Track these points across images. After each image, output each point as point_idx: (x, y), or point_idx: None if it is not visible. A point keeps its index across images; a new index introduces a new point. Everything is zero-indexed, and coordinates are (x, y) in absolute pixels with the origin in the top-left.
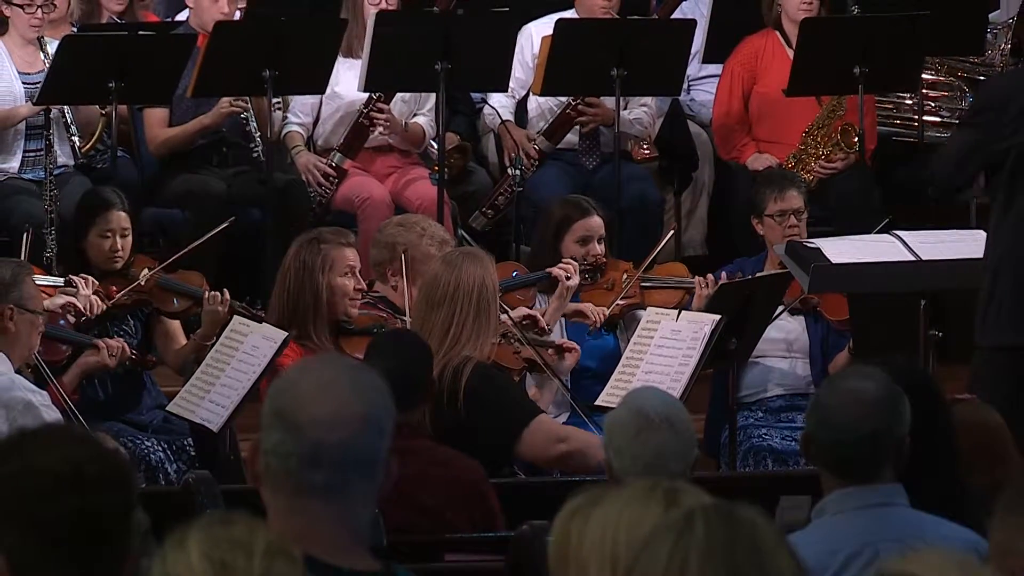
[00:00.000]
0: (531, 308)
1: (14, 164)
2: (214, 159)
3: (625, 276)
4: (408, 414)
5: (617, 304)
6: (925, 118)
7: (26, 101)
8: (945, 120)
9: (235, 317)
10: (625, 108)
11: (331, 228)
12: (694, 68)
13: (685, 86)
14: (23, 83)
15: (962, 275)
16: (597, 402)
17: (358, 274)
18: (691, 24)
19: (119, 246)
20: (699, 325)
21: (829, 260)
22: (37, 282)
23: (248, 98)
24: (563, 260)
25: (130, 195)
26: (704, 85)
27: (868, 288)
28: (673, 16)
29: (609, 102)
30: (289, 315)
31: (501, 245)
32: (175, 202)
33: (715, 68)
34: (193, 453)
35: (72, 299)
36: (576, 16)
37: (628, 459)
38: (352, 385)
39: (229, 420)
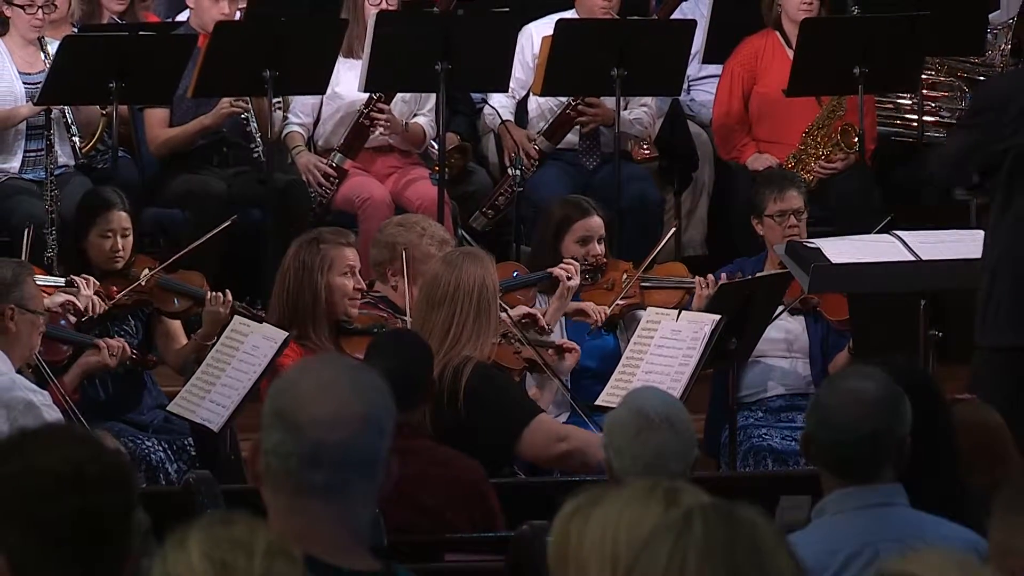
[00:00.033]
0: (531, 308)
1: (15, 164)
2: (214, 159)
3: (625, 276)
4: (408, 414)
5: (617, 304)
6: (925, 118)
7: (27, 101)
8: (945, 120)
9: (235, 317)
10: (625, 108)
11: (331, 228)
12: (694, 68)
13: (685, 86)
14: (24, 83)
15: (962, 275)
16: (597, 402)
17: (358, 274)
18: (691, 24)
19: (120, 246)
20: (699, 325)
21: (829, 260)
22: (38, 282)
23: (248, 98)
24: (564, 260)
25: (131, 195)
26: (704, 85)
27: (868, 288)
28: (673, 16)
29: (609, 102)
30: (289, 315)
31: (501, 245)
32: (175, 202)
33: (715, 68)
34: (194, 453)
35: (71, 297)
36: (576, 16)
37: (628, 459)
38: (352, 385)
39: (229, 420)
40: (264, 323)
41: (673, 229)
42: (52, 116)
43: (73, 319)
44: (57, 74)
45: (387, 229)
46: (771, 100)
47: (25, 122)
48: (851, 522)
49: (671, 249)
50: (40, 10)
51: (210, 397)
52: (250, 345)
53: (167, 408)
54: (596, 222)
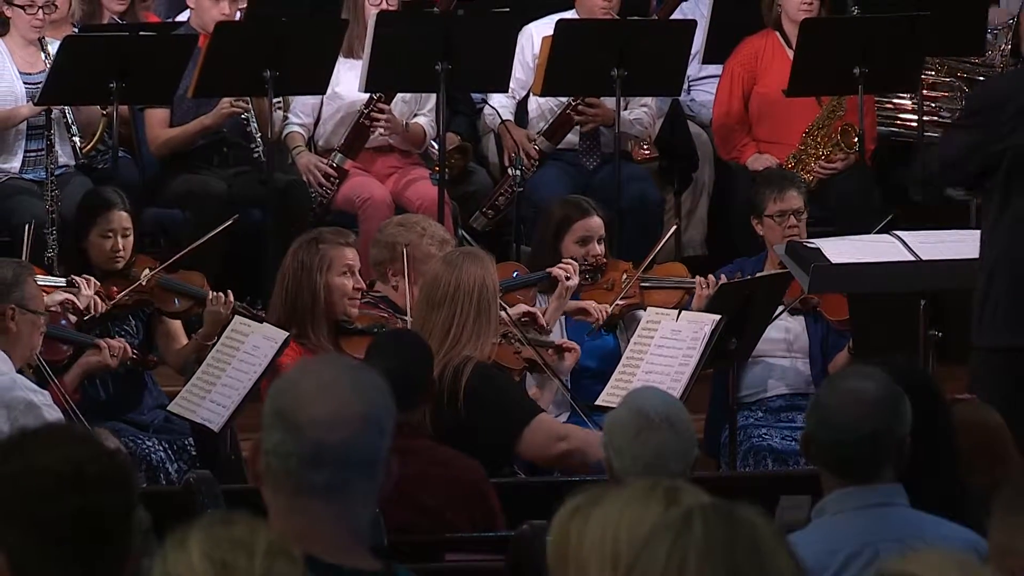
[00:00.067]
0: (531, 307)
1: (15, 164)
2: (215, 159)
3: (625, 276)
4: (408, 414)
5: (617, 304)
6: (925, 118)
7: (27, 101)
8: (945, 120)
9: (236, 317)
10: (625, 108)
11: (330, 228)
12: (694, 68)
13: (685, 86)
14: (24, 83)
15: (962, 275)
16: (597, 402)
17: (357, 274)
18: (691, 24)
19: (120, 246)
20: (699, 325)
21: (829, 260)
22: (38, 282)
23: (249, 99)
24: (563, 260)
25: (131, 195)
26: (704, 85)
27: (868, 288)
28: (673, 16)
29: (609, 102)
30: (288, 315)
31: (501, 245)
32: (176, 202)
33: (715, 68)
34: (194, 453)
35: (70, 296)
36: (576, 17)
37: (628, 459)
38: (353, 385)
39: (230, 420)
40: (264, 323)
41: (674, 227)
42: (52, 116)
43: (73, 318)
44: (58, 74)
45: (387, 229)
46: (771, 100)
47: (26, 122)
48: (851, 522)
49: (671, 249)
50: (41, 10)
51: (210, 397)
52: (250, 345)
53: (168, 408)
54: (596, 222)
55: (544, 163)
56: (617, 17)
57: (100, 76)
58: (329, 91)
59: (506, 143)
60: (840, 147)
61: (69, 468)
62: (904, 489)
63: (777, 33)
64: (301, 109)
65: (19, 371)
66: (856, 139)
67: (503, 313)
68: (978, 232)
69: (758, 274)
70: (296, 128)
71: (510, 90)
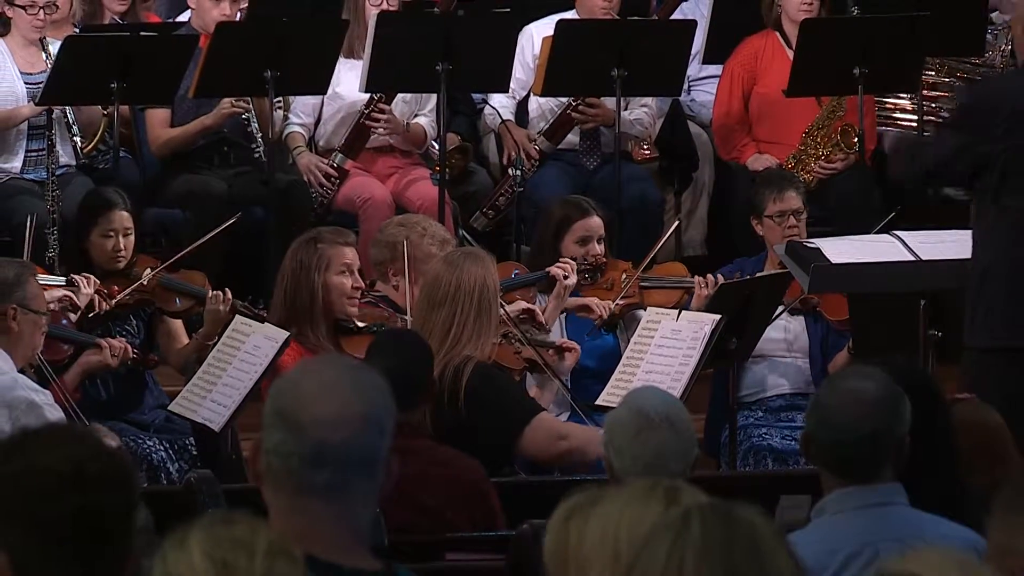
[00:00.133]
0: (529, 304)
1: (16, 164)
2: (215, 159)
3: (624, 276)
4: (409, 414)
5: (617, 304)
6: (925, 118)
7: (28, 101)
8: None
9: (237, 317)
10: (625, 108)
11: (329, 228)
12: (694, 69)
13: (685, 87)
14: (25, 83)
15: (962, 275)
16: (597, 402)
17: (356, 273)
18: (691, 25)
19: (121, 246)
20: (699, 325)
21: (829, 260)
22: (39, 282)
23: (250, 99)
24: (560, 259)
25: (132, 195)
26: (704, 86)
27: (868, 288)
28: (673, 17)
29: (609, 103)
30: (288, 315)
31: (502, 245)
32: (176, 202)
33: (715, 69)
34: (195, 452)
35: (68, 292)
36: (576, 17)
37: (628, 459)
38: (353, 385)
39: (231, 420)
40: (265, 323)
41: (676, 223)
42: (54, 116)
43: (74, 317)
44: (59, 74)
45: (388, 229)
46: (771, 100)
47: (27, 122)
48: (851, 522)
49: (671, 249)
50: (42, 11)
51: (211, 397)
52: (251, 345)
53: (168, 408)
54: (596, 222)
55: (544, 163)
56: (617, 17)
57: (101, 76)
58: (330, 91)
59: (506, 143)
60: (840, 147)
61: (70, 468)
62: (904, 489)
63: (777, 33)
64: (302, 109)
65: (20, 371)
66: (856, 139)
67: (503, 312)
68: None
69: (758, 274)
70: (297, 128)
71: (510, 90)
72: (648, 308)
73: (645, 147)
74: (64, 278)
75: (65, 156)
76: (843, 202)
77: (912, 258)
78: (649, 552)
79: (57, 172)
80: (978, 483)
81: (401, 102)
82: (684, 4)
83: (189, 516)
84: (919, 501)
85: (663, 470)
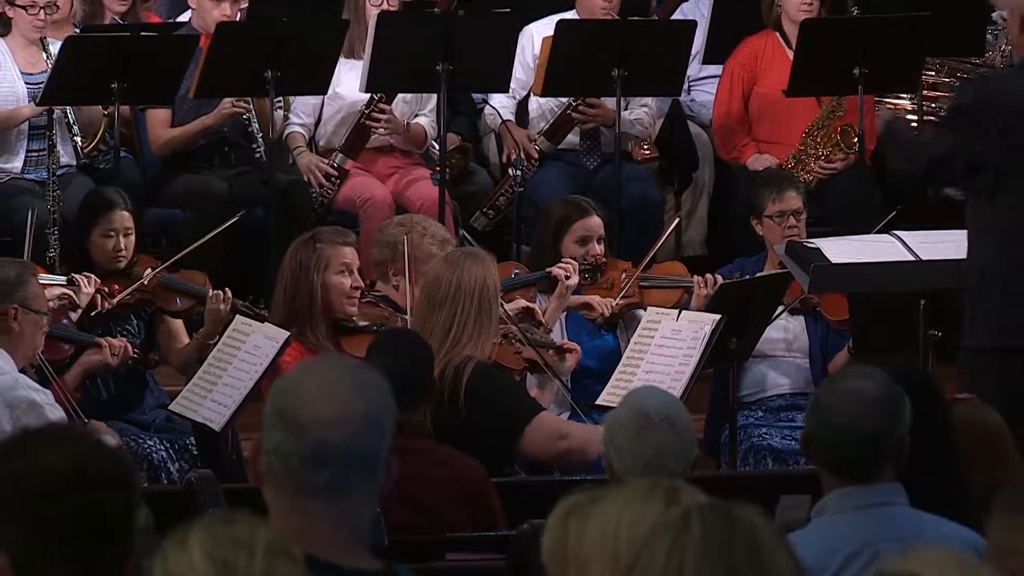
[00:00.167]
0: (529, 303)
1: (17, 164)
2: (216, 159)
3: (624, 275)
4: (409, 413)
5: (616, 303)
6: (925, 118)
7: (29, 101)
8: None
9: (237, 317)
10: (626, 109)
11: (329, 227)
12: (694, 69)
13: (685, 87)
14: (26, 83)
15: (961, 275)
16: (598, 402)
17: (356, 272)
18: (691, 25)
19: (122, 246)
20: (699, 325)
21: (829, 260)
22: (40, 281)
23: (250, 99)
24: (562, 260)
25: (132, 195)
26: (704, 86)
27: (868, 288)
28: (673, 17)
29: (610, 103)
30: (289, 315)
31: (502, 245)
32: (177, 202)
33: (715, 69)
34: (195, 452)
35: (67, 290)
36: (577, 17)
37: (628, 459)
38: (353, 385)
39: (231, 419)
40: (265, 323)
41: (676, 220)
42: (54, 116)
43: (75, 317)
44: (59, 74)
45: (388, 229)
46: (771, 100)
47: (27, 122)
48: (851, 522)
49: (671, 249)
50: (42, 11)
51: (212, 396)
52: (252, 345)
53: (169, 407)
54: (595, 222)
55: (544, 163)
56: (617, 17)
57: (102, 76)
58: (330, 91)
59: (507, 143)
60: (840, 147)
61: (71, 468)
62: (904, 489)
63: (777, 33)
64: (302, 109)
65: (21, 370)
66: (856, 139)
67: (503, 311)
68: None
69: (758, 274)
70: (297, 128)
71: (511, 90)
72: (648, 308)
73: (645, 147)
74: (65, 278)
75: (66, 156)
76: (843, 202)
77: (912, 258)
78: (649, 552)
79: (58, 172)
80: (978, 483)
81: (401, 102)
82: (684, 4)
83: (189, 516)
84: (919, 501)
85: (663, 470)
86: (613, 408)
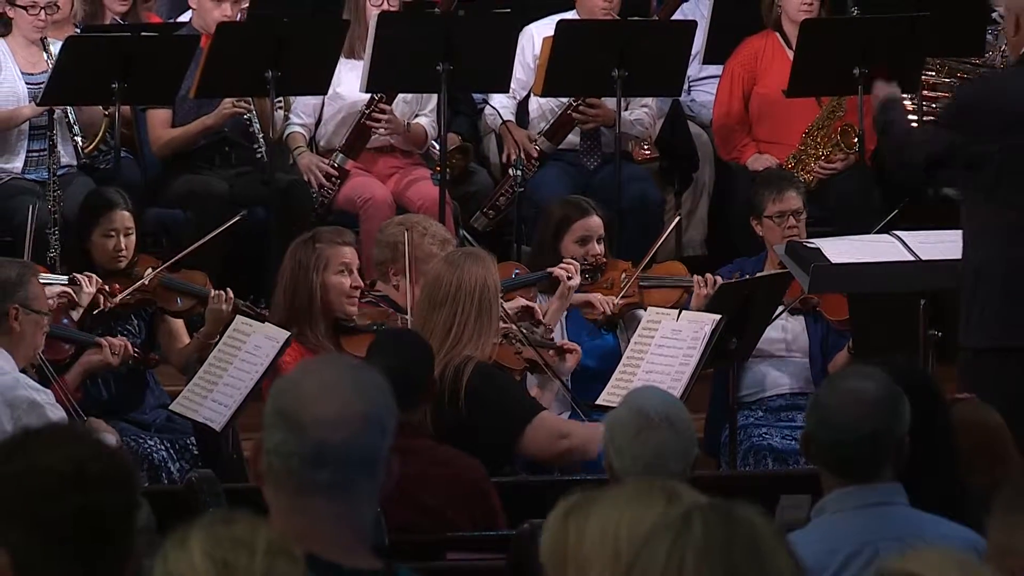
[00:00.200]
0: (528, 302)
1: (17, 164)
2: (216, 159)
3: (624, 275)
4: (409, 413)
5: (616, 303)
6: (925, 119)
7: (29, 102)
8: None
9: (238, 317)
10: (626, 109)
11: (328, 227)
12: (694, 69)
13: (685, 87)
14: (27, 83)
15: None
16: (598, 401)
17: (356, 272)
18: (691, 25)
19: (123, 245)
20: (699, 325)
21: (829, 260)
22: (41, 281)
23: (251, 99)
24: (564, 260)
25: (133, 195)
26: (704, 86)
27: (868, 288)
28: (674, 17)
29: (610, 103)
30: (289, 315)
31: (502, 245)
32: (178, 202)
33: (715, 69)
34: (196, 452)
35: (67, 288)
36: (577, 17)
37: (628, 459)
38: (354, 385)
39: (232, 419)
40: (266, 323)
41: (677, 219)
42: (55, 116)
43: (76, 316)
44: (60, 74)
45: (388, 229)
46: (771, 100)
47: (28, 122)
48: (851, 521)
49: (671, 249)
50: (43, 11)
51: (212, 396)
52: (252, 345)
53: (169, 407)
54: (595, 222)
55: (545, 163)
56: (618, 18)
57: (102, 76)
58: (330, 91)
59: (507, 143)
60: (840, 147)
61: (71, 467)
62: (904, 489)
63: (777, 34)
64: (302, 109)
65: (22, 370)
66: (856, 139)
67: (503, 311)
68: None
69: (758, 274)
70: (297, 128)
71: (511, 90)
72: (648, 308)
73: (645, 147)
74: (66, 277)
75: (66, 156)
76: (843, 202)
77: (912, 258)
78: (649, 551)
79: (58, 172)
80: (978, 483)
81: (402, 102)
82: (684, 4)
83: (190, 516)
84: (919, 501)
85: (663, 470)
86: (613, 408)
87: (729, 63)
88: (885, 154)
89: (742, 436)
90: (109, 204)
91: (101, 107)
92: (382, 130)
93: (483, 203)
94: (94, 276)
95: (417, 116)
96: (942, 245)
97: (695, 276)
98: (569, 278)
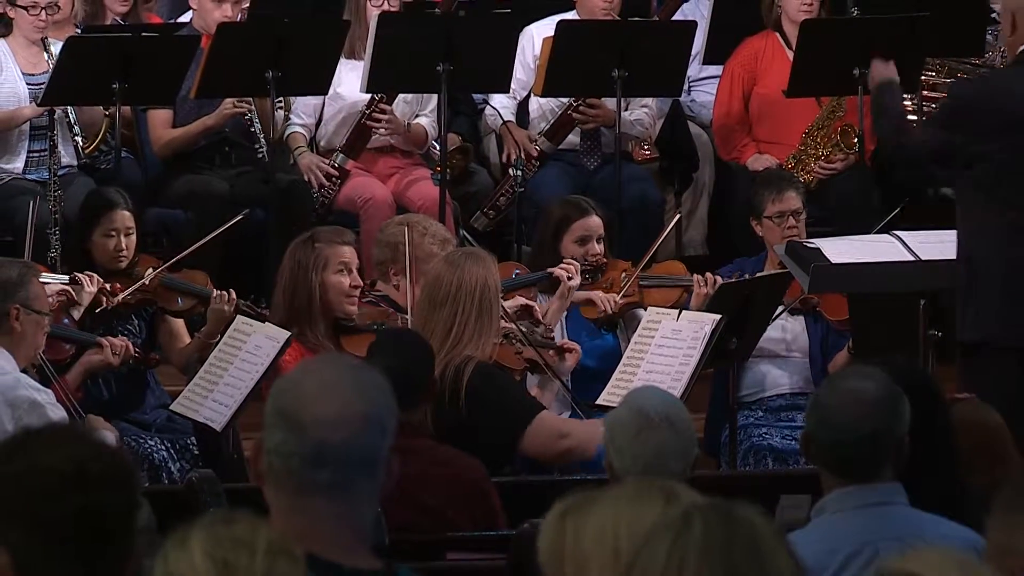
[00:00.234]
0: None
1: (18, 164)
2: (217, 160)
3: (624, 275)
4: (409, 413)
5: (616, 302)
6: (925, 119)
7: (30, 102)
8: None
9: (238, 316)
10: (626, 109)
11: (327, 227)
12: (694, 69)
13: (686, 87)
14: (27, 84)
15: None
16: (598, 401)
17: (355, 272)
18: (692, 25)
19: (123, 245)
20: (699, 325)
21: (829, 260)
22: (42, 281)
23: (251, 99)
24: (564, 260)
25: (134, 195)
26: (704, 86)
27: (868, 288)
28: (674, 17)
29: (610, 103)
30: (289, 315)
31: (503, 245)
32: (178, 203)
33: (715, 69)
34: (196, 452)
35: (66, 287)
36: (577, 17)
37: (628, 458)
38: (354, 384)
39: (232, 419)
40: (266, 322)
41: (677, 217)
42: (55, 116)
43: (77, 315)
44: (60, 75)
45: (389, 229)
46: (771, 101)
47: (29, 122)
48: (851, 521)
49: (671, 249)
50: (44, 11)
51: (213, 396)
52: (252, 345)
53: (170, 407)
54: (595, 222)
55: (545, 163)
56: (618, 18)
57: (103, 77)
58: (331, 92)
59: (507, 143)
60: (840, 147)
61: (72, 467)
62: (904, 489)
63: (777, 34)
64: (303, 110)
65: (23, 370)
66: (856, 139)
67: (503, 311)
68: None
69: (758, 274)
70: (298, 129)
71: (511, 91)
72: (648, 308)
73: (645, 147)
74: (67, 277)
75: (67, 156)
76: (843, 202)
77: (912, 258)
78: (649, 551)
79: (59, 172)
80: (978, 483)
81: (402, 102)
82: (684, 4)
83: (190, 516)
84: (919, 501)
85: (663, 470)
86: (613, 408)
87: (729, 63)
88: (877, 137)
89: (742, 436)
90: (110, 204)
91: (102, 107)
92: (382, 130)
93: (483, 203)
94: (95, 275)
95: (417, 116)
96: (942, 245)
97: (695, 276)
98: (569, 278)
